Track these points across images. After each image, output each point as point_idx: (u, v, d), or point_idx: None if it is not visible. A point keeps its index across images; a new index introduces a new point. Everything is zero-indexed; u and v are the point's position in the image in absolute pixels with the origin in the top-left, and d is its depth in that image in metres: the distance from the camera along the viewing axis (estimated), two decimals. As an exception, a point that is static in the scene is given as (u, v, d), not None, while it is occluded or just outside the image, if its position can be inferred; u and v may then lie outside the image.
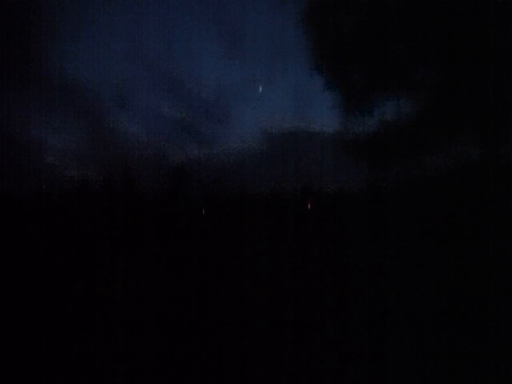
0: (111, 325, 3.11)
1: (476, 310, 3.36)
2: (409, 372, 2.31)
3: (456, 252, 5.94)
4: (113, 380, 2.24)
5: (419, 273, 4.90)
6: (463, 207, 6.75)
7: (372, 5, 7.02)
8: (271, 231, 9.65)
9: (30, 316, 3.28)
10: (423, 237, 7.27)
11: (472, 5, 5.87)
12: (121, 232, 8.90)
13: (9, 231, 7.91)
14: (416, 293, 4.01)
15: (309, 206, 11.15)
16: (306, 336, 2.89)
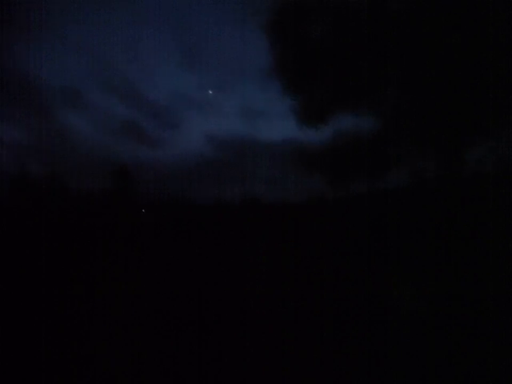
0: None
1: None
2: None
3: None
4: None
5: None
6: (412, 221, 7.36)
7: (332, 19, 7.34)
8: (210, 235, 9.61)
9: None
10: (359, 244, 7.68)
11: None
12: (58, 227, 8.32)
13: None
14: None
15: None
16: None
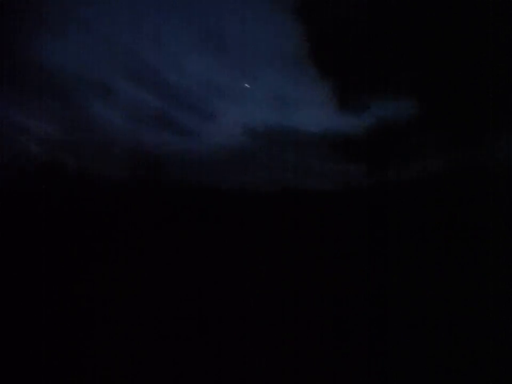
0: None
1: (475, 310, 3.35)
2: (409, 372, 2.30)
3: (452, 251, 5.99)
4: (113, 380, 2.21)
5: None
6: (452, 209, 7.11)
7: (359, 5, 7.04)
8: (245, 226, 9.29)
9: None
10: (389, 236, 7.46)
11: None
12: (88, 218, 8.62)
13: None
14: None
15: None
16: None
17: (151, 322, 2.98)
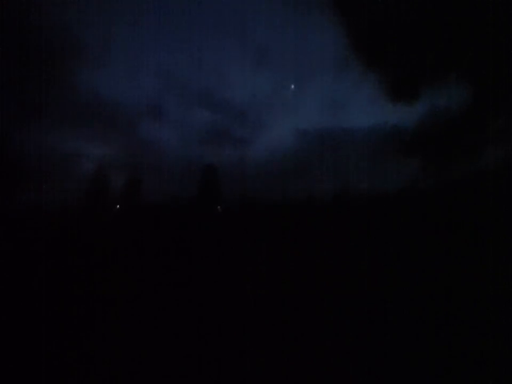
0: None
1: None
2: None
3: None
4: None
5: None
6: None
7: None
8: (303, 234, 8.98)
9: None
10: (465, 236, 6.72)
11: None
12: (157, 229, 9.07)
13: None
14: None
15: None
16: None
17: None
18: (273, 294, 4.19)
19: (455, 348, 2.49)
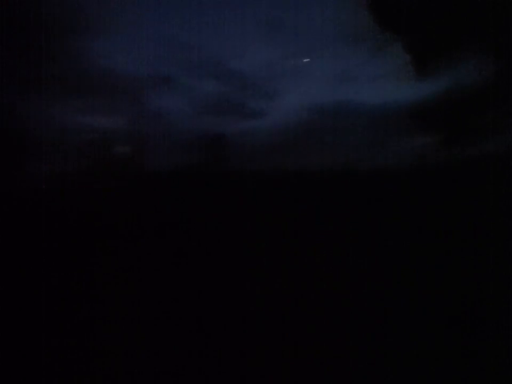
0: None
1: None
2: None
3: None
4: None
5: None
6: None
7: None
8: (316, 207, 9.15)
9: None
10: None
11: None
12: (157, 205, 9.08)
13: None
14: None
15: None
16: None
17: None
18: (290, 274, 4.01)
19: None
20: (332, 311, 2.96)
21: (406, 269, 4.12)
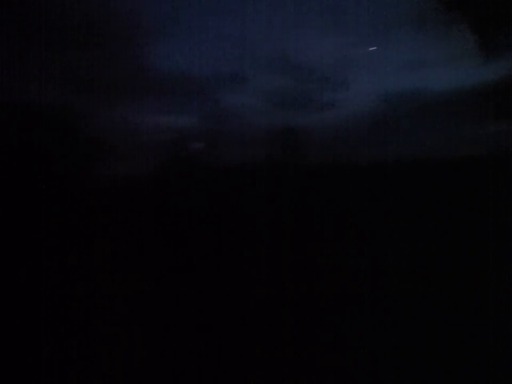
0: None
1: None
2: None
3: None
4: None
5: None
6: None
7: None
8: (387, 199, 9.22)
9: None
10: None
11: None
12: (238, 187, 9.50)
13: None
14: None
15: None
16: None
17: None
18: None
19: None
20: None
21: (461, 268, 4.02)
